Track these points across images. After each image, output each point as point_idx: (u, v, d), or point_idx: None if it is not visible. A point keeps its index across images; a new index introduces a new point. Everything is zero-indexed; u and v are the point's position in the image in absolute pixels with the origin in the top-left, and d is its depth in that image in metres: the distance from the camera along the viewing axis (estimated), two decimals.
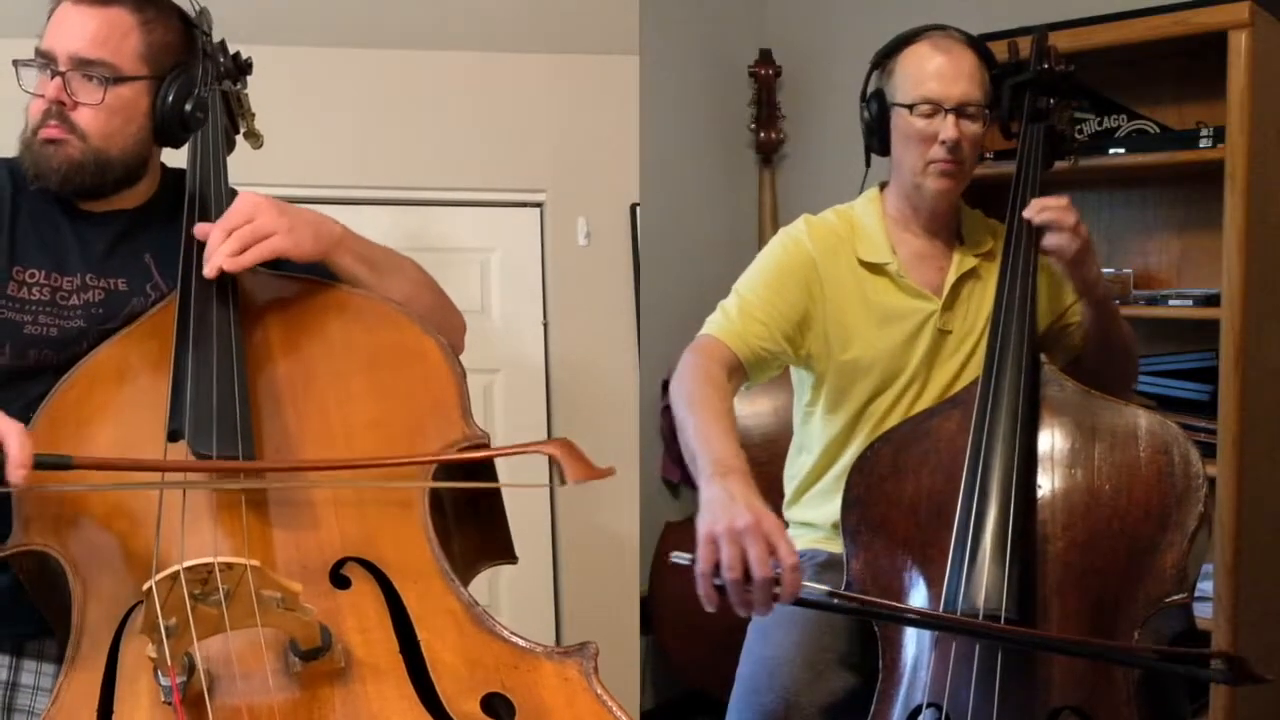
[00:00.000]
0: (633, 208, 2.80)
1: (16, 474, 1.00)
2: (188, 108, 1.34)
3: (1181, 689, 1.45)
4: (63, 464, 1.04)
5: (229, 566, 0.91)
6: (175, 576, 0.90)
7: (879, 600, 1.34)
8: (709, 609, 1.21)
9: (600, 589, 2.73)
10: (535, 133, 2.78)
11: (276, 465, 1.13)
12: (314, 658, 0.96)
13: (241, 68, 1.54)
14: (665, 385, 2.81)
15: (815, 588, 1.22)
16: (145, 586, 0.91)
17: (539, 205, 2.85)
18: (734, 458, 1.31)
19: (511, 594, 2.77)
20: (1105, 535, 1.31)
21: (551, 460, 1.11)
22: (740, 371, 1.54)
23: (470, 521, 1.25)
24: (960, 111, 1.53)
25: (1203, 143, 2.02)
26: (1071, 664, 1.26)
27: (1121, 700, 1.24)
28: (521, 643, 1.01)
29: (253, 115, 1.57)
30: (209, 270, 1.23)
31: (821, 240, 1.61)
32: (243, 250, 1.24)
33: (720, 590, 1.19)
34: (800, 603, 1.21)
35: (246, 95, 1.56)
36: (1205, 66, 1.96)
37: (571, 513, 2.78)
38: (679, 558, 1.24)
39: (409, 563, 1.07)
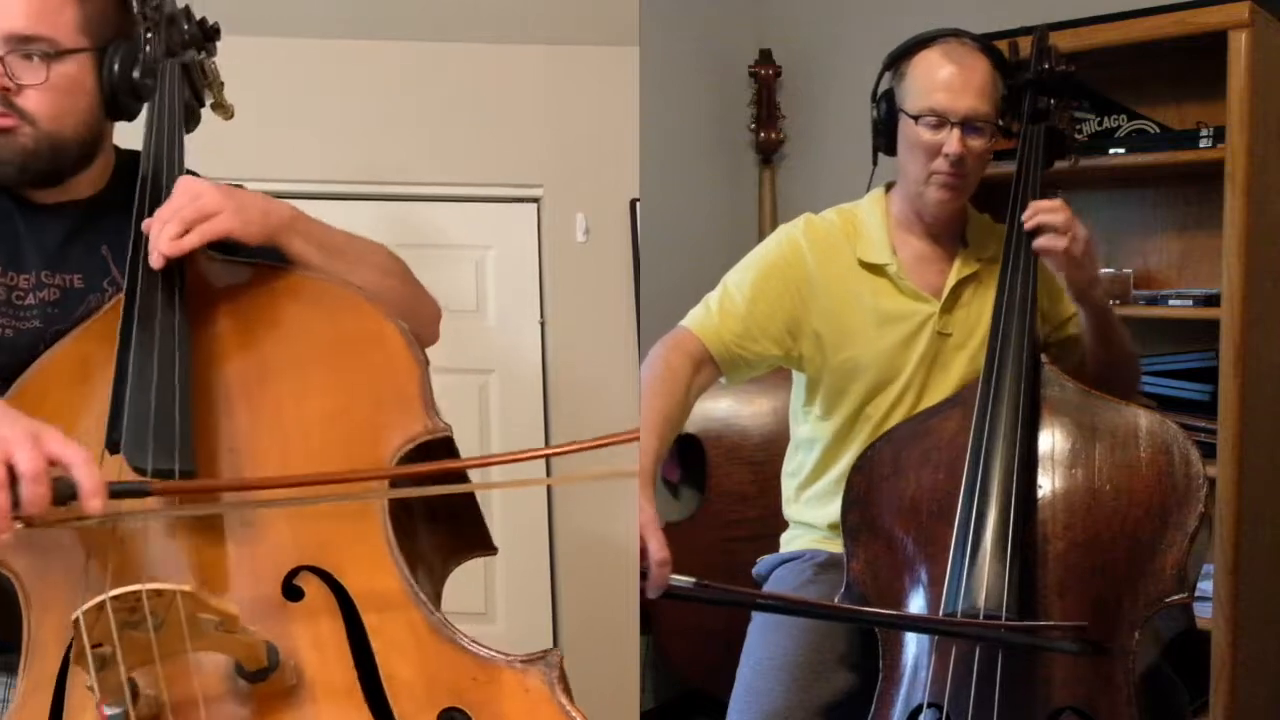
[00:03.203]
0: (632, 203, 2.78)
1: (92, 504, 0.94)
2: (136, 75, 1.27)
3: (1181, 689, 1.45)
4: (140, 491, 0.98)
5: (158, 593, 0.87)
6: (102, 606, 0.86)
7: (750, 591, 1.39)
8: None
9: (600, 589, 2.72)
10: (532, 126, 2.76)
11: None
12: (261, 678, 0.92)
13: (208, 34, 1.44)
14: None
15: (682, 580, 1.23)
16: (73, 617, 0.87)
17: (536, 200, 2.83)
18: (642, 459, 1.34)
19: (509, 595, 2.76)
20: (1106, 535, 1.31)
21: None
22: (711, 366, 1.54)
23: (442, 515, 1.21)
24: (966, 126, 1.52)
25: (1203, 143, 2.02)
26: (1072, 663, 1.26)
27: (1122, 700, 1.24)
28: (482, 653, 0.98)
29: (221, 85, 1.46)
30: (153, 259, 1.15)
31: (819, 240, 1.61)
32: (186, 231, 1.16)
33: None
34: (670, 594, 1.22)
35: (214, 64, 1.45)
36: (1205, 66, 1.96)
37: (571, 513, 2.78)
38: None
39: (366, 569, 1.03)
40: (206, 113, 1.48)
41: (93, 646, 0.87)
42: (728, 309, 1.56)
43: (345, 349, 1.18)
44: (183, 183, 1.21)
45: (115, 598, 0.86)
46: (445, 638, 0.99)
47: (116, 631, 0.87)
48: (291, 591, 1.01)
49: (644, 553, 1.21)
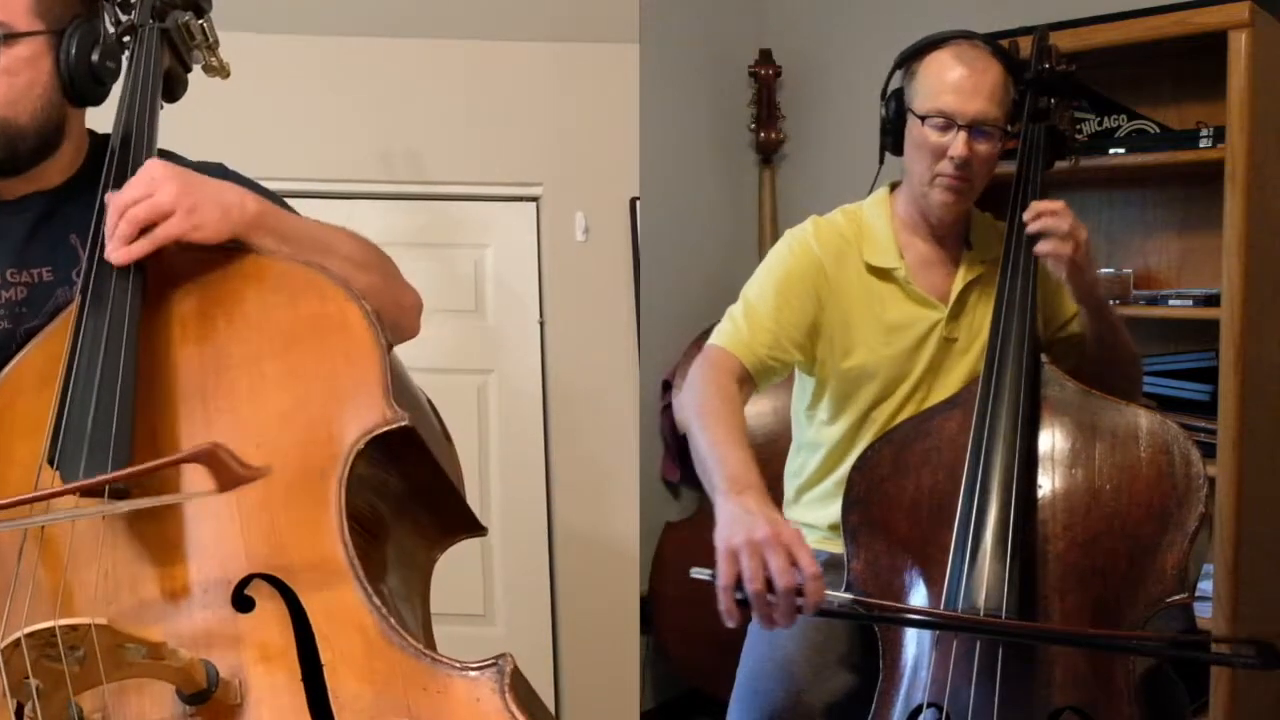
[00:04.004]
0: (632, 202, 2.77)
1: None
2: (94, 58, 1.22)
3: (1181, 689, 1.45)
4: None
5: (73, 628, 0.85)
6: (17, 643, 0.84)
7: (903, 606, 1.32)
8: (730, 624, 1.21)
9: (600, 589, 2.72)
10: (531, 124, 2.75)
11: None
12: (201, 700, 0.90)
13: None
14: (666, 385, 2.80)
15: (838, 596, 1.22)
16: None
17: (535, 199, 2.82)
18: (749, 473, 1.31)
19: (508, 597, 2.76)
20: (1106, 535, 1.31)
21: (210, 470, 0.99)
22: (749, 381, 1.54)
23: (414, 502, 1.19)
24: (973, 129, 1.51)
25: (1203, 143, 2.02)
26: (1072, 664, 1.26)
27: (1122, 700, 1.24)
28: (433, 661, 0.95)
29: (214, 44, 1.37)
30: (108, 255, 1.12)
31: (829, 243, 1.60)
32: (136, 236, 1.11)
33: (742, 604, 1.19)
34: (824, 613, 1.21)
35: (203, 24, 1.36)
36: (1205, 66, 1.96)
37: (571, 513, 2.77)
38: (699, 573, 1.24)
39: (320, 573, 0.99)
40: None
41: (19, 680, 0.85)
42: (756, 321, 1.55)
43: (305, 336, 1.13)
44: (145, 169, 1.15)
45: (30, 635, 0.85)
46: (397, 645, 0.96)
47: (33, 666, 0.85)
48: (242, 602, 0.98)
49: (796, 566, 1.18)
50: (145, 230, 1.12)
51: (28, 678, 0.85)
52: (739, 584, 1.18)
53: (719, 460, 1.34)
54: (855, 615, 1.29)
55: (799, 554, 1.18)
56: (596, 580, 2.73)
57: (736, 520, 1.22)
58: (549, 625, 2.75)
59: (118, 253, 1.11)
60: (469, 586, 2.71)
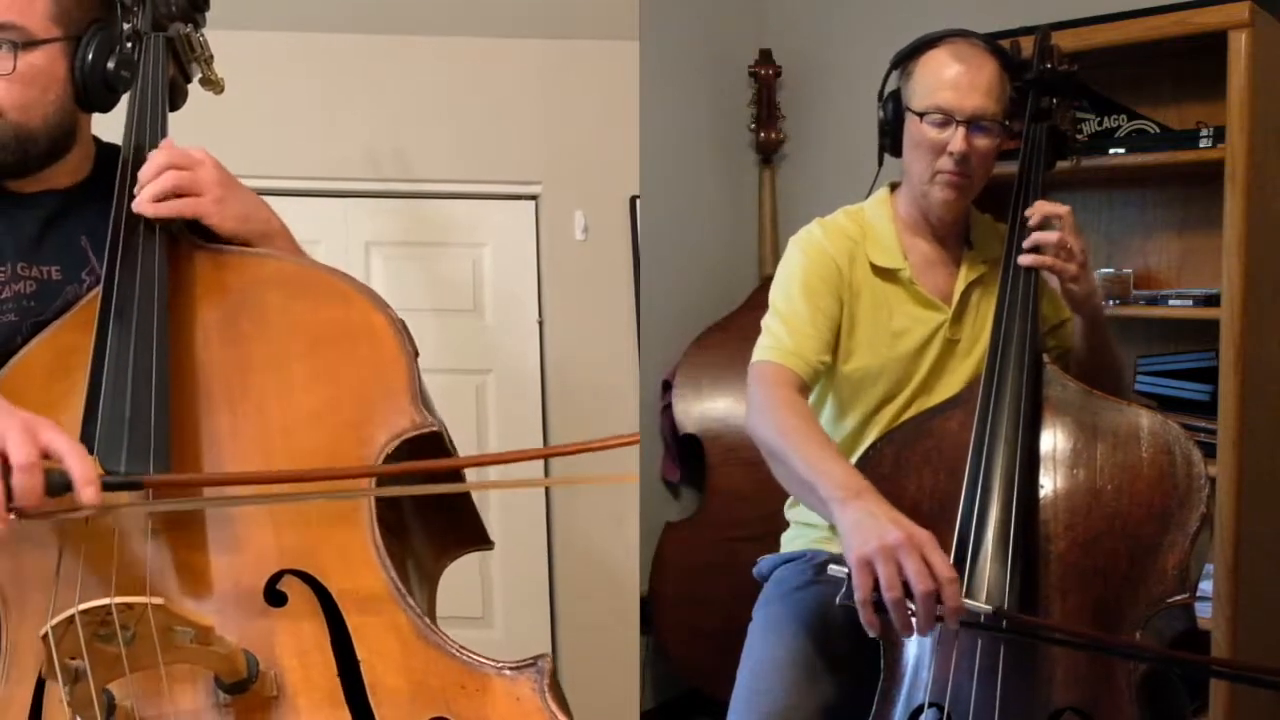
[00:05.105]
0: (632, 200, 2.76)
1: (86, 493, 0.92)
2: (110, 66, 1.24)
3: (1181, 689, 1.45)
4: (133, 484, 0.96)
5: (128, 606, 0.85)
6: (71, 620, 0.85)
7: (1050, 623, 1.27)
8: (872, 634, 1.20)
9: (600, 589, 2.72)
10: (530, 122, 2.74)
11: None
12: (241, 690, 0.90)
13: (196, 4, 1.38)
14: (666, 385, 2.80)
15: (977, 606, 1.20)
16: (41, 632, 0.86)
17: (534, 198, 2.81)
18: (857, 477, 1.31)
19: (507, 598, 2.75)
20: (1107, 535, 1.31)
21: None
22: (806, 389, 1.53)
23: (432, 510, 1.19)
24: (972, 125, 1.52)
25: (1203, 143, 2.02)
26: (1074, 663, 1.26)
27: (1123, 700, 1.24)
28: (470, 660, 0.95)
29: (210, 58, 1.40)
30: (135, 204, 1.15)
31: (839, 244, 1.60)
32: (164, 198, 1.15)
33: (881, 612, 1.18)
34: (965, 624, 1.19)
35: (201, 38, 1.39)
36: (1205, 66, 1.96)
37: (571, 512, 2.77)
38: (836, 570, 1.22)
39: (352, 573, 1.00)
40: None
41: (65, 660, 0.84)
42: (796, 328, 1.54)
43: (331, 341, 1.14)
44: (201, 150, 1.20)
45: (84, 612, 0.84)
46: (433, 644, 0.96)
47: (86, 645, 0.85)
48: (274, 596, 0.98)
49: (932, 571, 1.15)
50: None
51: (75, 658, 0.85)
52: (876, 590, 1.16)
53: (822, 473, 1.32)
54: (996, 628, 1.24)
55: (932, 557, 1.17)
56: (596, 580, 2.73)
57: (864, 527, 1.20)
58: (548, 627, 2.74)
59: (147, 206, 1.16)
60: (467, 589, 2.71)
